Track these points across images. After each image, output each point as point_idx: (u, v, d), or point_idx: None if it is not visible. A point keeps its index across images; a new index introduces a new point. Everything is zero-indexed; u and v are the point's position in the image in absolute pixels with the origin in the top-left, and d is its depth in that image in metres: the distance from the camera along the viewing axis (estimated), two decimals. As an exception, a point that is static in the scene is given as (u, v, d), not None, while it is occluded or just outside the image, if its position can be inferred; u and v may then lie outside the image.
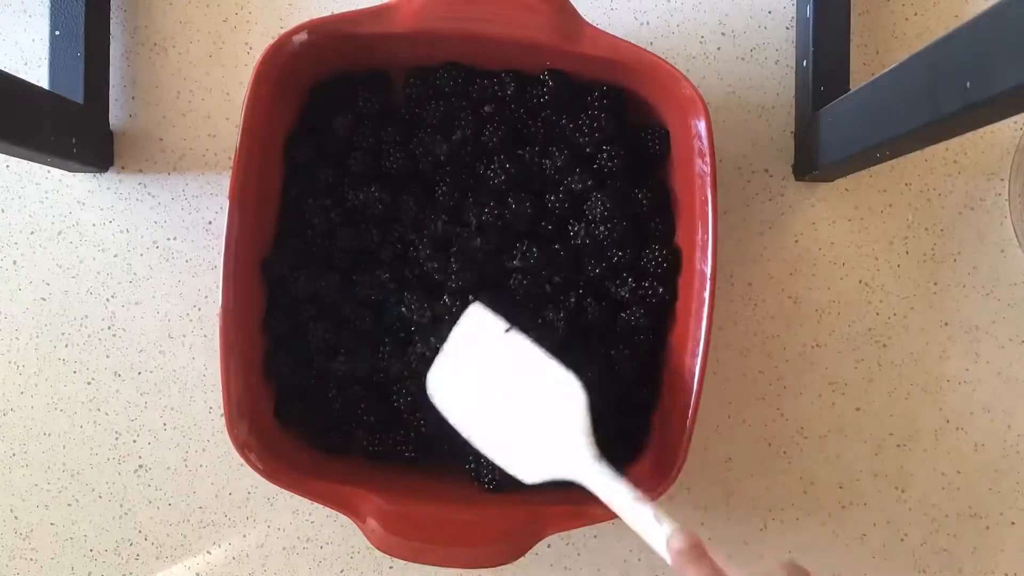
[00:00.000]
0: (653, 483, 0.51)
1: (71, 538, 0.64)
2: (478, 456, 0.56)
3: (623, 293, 0.56)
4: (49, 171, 0.64)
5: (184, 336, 0.63)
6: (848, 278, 0.63)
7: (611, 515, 0.53)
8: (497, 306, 0.52)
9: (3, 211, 0.63)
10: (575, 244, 0.56)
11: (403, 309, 0.57)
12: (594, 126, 0.56)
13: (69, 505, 0.64)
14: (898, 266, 0.63)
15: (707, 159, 0.52)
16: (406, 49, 0.55)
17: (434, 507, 0.53)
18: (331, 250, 0.57)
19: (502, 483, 0.55)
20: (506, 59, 0.56)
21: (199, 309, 0.63)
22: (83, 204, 0.64)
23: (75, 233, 0.64)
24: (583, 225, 0.56)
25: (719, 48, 0.64)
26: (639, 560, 0.63)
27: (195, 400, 0.63)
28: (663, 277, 0.56)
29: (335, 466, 0.56)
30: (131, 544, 0.64)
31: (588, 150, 0.56)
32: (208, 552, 0.63)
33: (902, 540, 0.63)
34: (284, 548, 0.63)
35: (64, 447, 0.64)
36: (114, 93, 0.63)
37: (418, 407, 0.56)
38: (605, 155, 0.56)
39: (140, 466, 0.64)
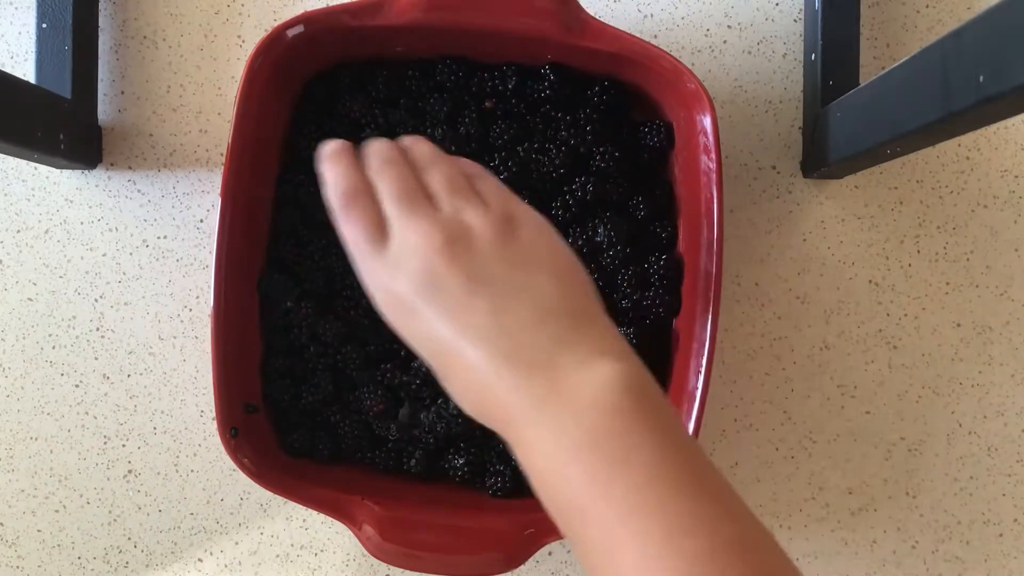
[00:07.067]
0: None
1: (58, 545, 0.62)
2: (483, 462, 0.55)
3: (624, 304, 0.55)
4: (36, 168, 0.62)
5: (175, 338, 0.62)
6: (858, 278, 0.62)
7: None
8: None
9: (-11, 209, 0.62)
10: (575, 246, 0.55)
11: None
12: (587, 129, 0.54)
13: (56, 511, 0.62)
14: (909, 265, 0.62)
15: (712, 156, 0.51)
16: (404, 42, 0.54)
17: (432, 514, 0.52)
18: (327, 249, 0.56)
19: (508, 489, 0.54)
20: (507, 52, 0.55)
21: (190, 310, 0.62)
22: (71, 202, 0.62)
23: (63, 231, 0.62)
24: (585, 239, 0.55)
25: (725, 41, 0.62)
26: (643, 568, 0.62)
27: (186, 403, 0.62)
28: (667, 287, 0.55)
29: (330, 471, 0.55)
30: (120, 551, 0.62)
31: (582, 150, 0.55)
32: (199, 560, 0.62)
33: (913, 547, 0.62)
34: (278, 555, 0.62)
35: (51, 451, 0.62)
36: (103, 88, 0.62)
37: (426, 424, 0.55)
38: (598, 157, 0.55)
39: (129, 471, 0.62)
